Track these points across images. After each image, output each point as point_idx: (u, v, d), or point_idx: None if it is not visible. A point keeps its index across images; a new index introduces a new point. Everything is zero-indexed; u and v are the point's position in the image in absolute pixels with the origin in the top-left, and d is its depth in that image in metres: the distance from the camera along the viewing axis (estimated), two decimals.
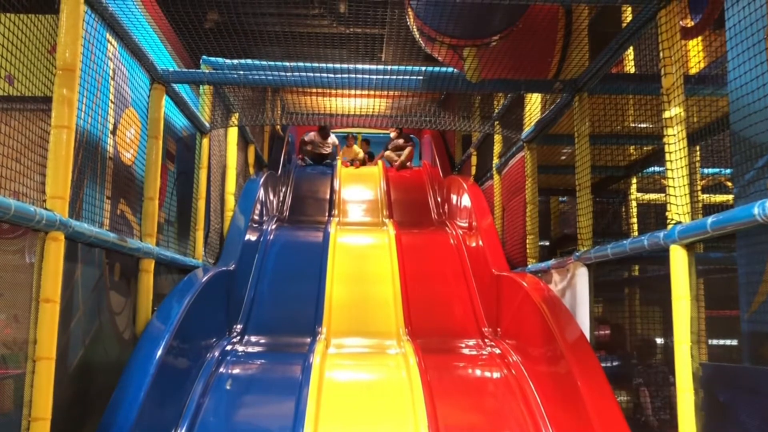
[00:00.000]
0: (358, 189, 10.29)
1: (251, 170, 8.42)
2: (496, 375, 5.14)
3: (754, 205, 2.31)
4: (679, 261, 2.91)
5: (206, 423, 4.36)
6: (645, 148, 5.34)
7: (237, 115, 6.65)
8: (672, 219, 3.01)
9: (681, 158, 3.01)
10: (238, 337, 5.72)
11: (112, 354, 4.12)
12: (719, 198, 4.91)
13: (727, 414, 2.65)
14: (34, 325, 2.80)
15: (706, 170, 5.54)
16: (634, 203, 6.33)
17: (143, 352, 3.93)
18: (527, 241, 5.77)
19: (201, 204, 5.67)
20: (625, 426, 3.58)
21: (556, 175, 6.42)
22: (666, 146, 3.09)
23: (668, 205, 3.06)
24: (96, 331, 4.02)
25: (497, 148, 7.18)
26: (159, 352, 3.93)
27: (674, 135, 3.04)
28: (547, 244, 6.85)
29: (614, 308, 5.76)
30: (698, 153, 5.07)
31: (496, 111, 7.06)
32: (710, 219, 2.64)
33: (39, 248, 2.84)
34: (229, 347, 5.39)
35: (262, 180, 8.07)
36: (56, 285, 2.85)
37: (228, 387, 4.86)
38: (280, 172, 10.23)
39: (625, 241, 3.56)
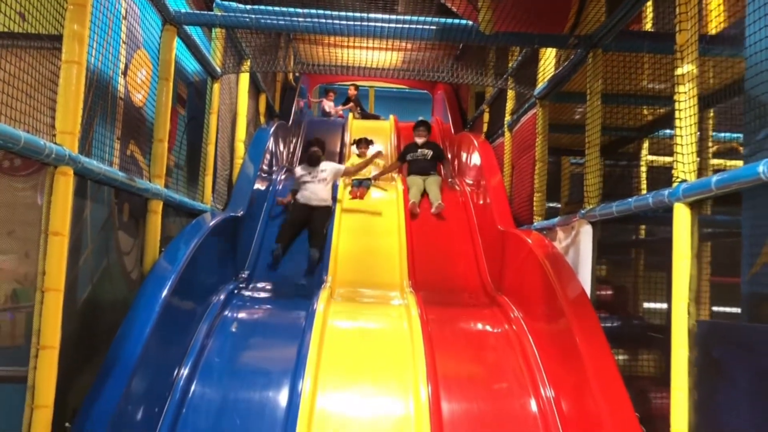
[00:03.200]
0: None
1: (262, 119, 8.42)
2: (496, 329, 5.20)
3: (759, 163, 2.31)
4: (682, 219, 2.92)
5: (210, 362, 4.46)
6: (659, 110, 5.29)
7: (248, 61, 6.61)
8: (677, 177, 3.00)
9: (690, 116, 2.99)
10: (244, 283, 5.81)
11: (120, 293, 4.20)
12: (731, 163, 4.87)
13: (719, 370, 2.70)
14: (43, 257, 2.86)
15: (720, 134, 5.49)
16: (644, 166, 6.30)
17: (149, 290, 4.00)
18: (534, 198, 5.78)
19: (211, 149, 5.70)
20: (621, 384, 3.62)
21: (567, 134, 6.38)
22: (676, 104, 3.07)
23: (674, 164, 3.05)
24: (104, 269, 4.09)
25: (510, 105, 7.13)
26: (165, 292, 4.01)
27: (685, 93, 3.01)
28: (558, 205, 6.84)
29: (618, 270, 5.78)
30: (712, 117, 5.02)
31: (511, 67, 6.99)
32: (714, 177, 2.64)
33: (48, 182, 2.88)
34: (235, 291, 5.47)
35: (272, 129, 8.07)
36: (65, 219, 2.90)
37: (232, 329, 4.95)
38: (291, 122, 10.21)
39: (630, 199, 3.57)
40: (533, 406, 4.28)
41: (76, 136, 2.97)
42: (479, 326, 5.49)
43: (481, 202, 7.17)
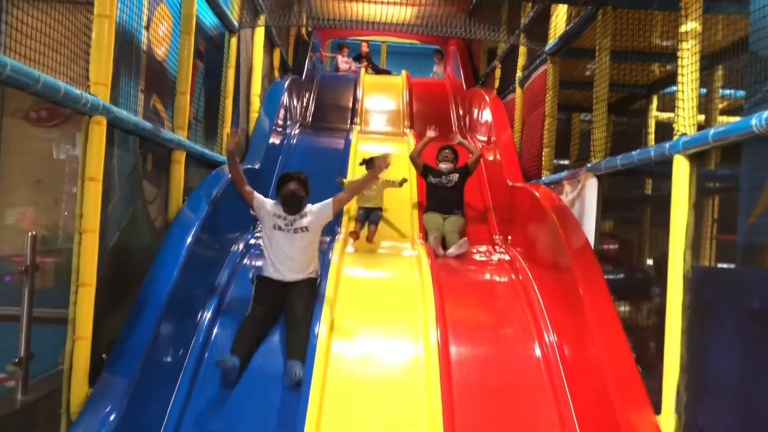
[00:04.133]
0: (381, 98, 10.34)
1: (276, 73, 8.52)
2: (503, 279, 5.41)
3: (753, 117, 2.46)
4: (681, 171, 3.08)
5: (232, 307, 4.70)
6: (667, 67, 5.39)
7: (264, 15, 6.71)
8: (678, 131, 3.15)
9: (692, 72, 3.12)
10: (261, 233, 6.02)
11: (144, 239, 4.42)
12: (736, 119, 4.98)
13: (711, 311, 2.89)
14: (80, 201, 3.06)
15: (726, 92, 5.58)
16: (652, 122, 6.41)
17: (175, 237, 4.23)
18: (543, 153, 5.92)
19: (228, 102, 5.85)
20: (622, 333, 3.79)
21: (577, 91, 6.48)
22: (679, 60, 3.19)
23: (676, 117, 3.19)
24: (130, 216, 4.30)
25: (521, 60, 7.20)
26: (189, 239, 4.23)
27: (688, 50, 3.13)
28: (567, 162, 6.97)
29: (623, 225, 5.93)
30: (719, 74, 5.12)
31: (523, 23, 7.04)
32: (712, 131, 2.79)
33: (83, 131, 3.07)
34: (252, 241, 5.69)
35: (286, 84, 8.19)
36: (99, 165, 3.10)
37: (250, 277, 5.18)
38: (304, 77, 10.30)
39: (633, 153, 3.72)
40: (537, 350, 4.50)
41: (108, 87, 3.14)
42: (487, 276, 5.71)
43: (492, 158, 7.31)
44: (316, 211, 4.49)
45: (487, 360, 4.42)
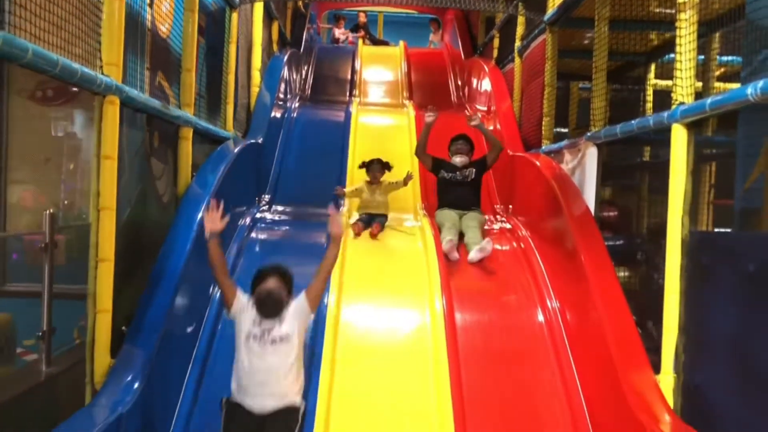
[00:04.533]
0: (379, 70, 10.35)
1: (275, 47, 8.53)
2: (505, 248, 5.51)
3: (748, 86, 2.54)
4: (679, 139, 3.18)
5: (241, 279, 4.77)
6: (665, 35, 5.43)
7: None
8: (676, 100, 3.23)
9: (690, 42, 3.19)
10: (267, 206, 6.12)
11: (154, 215, 4.51)
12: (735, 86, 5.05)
13: (708, 274, 3.01)
14: (96, 179, 3.15)
15: (724, 58, 5.63)
16: (650, 91, 6.46)
17: (187, 212, 4.33)
18: (543, 123, 5.99)
19: (231, 78, 5.89)
20: (623, 297, 3.90)
21: (576, 60, 6.52)
22: (677, 30, 3.26)
23: (674, 87, 3.27)
24: (140, 193, 4.40)
25: (520, 30, 7.23)
26: (199, 215, 4.32)
27: (686, 20, 3.20)
28: (566, 130, 7.04)
29: (622, 192, 6.03)
30: (717, 41, 5.18)
31: None
32: (709, 100, 2.87)
33: (98, 110, 3.15)
34: (258, 215, 5.80)
35: (285, 58, 8.21)
36: (114, 144, 3.19)
37: (258, 249, 5.31)
38: (302, 49, 10.29)
39: (632, 121, 3.81)
40: (540, 316, 4.63)
41: (120, 67, 3.22)
42: None
43: (491, 127, 7.37)
44: (293, 313, 3.32)
45: (492, 326, 4.55)
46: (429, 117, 5.64)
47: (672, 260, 3.13)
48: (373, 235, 5.53)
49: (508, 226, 5.83)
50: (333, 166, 6.75)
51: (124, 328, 3.48)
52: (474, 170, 5.69)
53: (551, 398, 3.95)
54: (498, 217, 6.20)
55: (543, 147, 5.99)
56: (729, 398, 2.84)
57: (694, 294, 3.05)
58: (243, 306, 3.35)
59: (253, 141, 6.06)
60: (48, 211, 3.31)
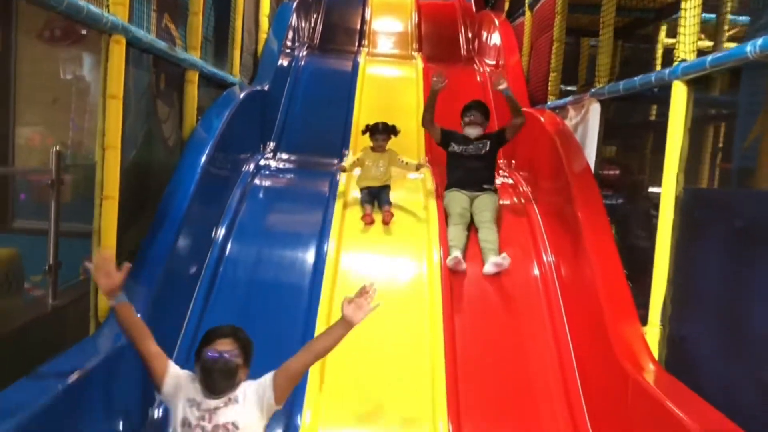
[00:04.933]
0: (389, 20, 10.23)
1: None
2: (505, 202, 5.55)
3: (748, 44, 2.56)
4: (679, 95, 3.19)
5: (244, 224, 4.91)
6: None
7: None
8: (678, 57, 3.24)
9: None
10: (271, 154, 6.17)
11: (159, 158, 4.58)
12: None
13: (699, 230, 3.07)
14: (102, 118, 3.21)
15: (738, 18, 5.58)
16: (661, 51, 6.41)
17: (191, 155, 4.39)
18: (550, 78, 5.98)
19: (238, 23, 5.88)
20: (616, 253, 3.96)
21: (587, 15, 6.44)
22: None
23: (677, 44, 3.28)
24: (146, 134, 4.45)
25: None
26: (204, 157, 4.39)
27: None
28: (574, 88, 7.00)
29: (623, 150, 6.06)
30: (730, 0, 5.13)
31: None
32: (709, 57, 2.89)
33: (104, 49, 3.18)
34: (262, 162, 5.85)
35: (294, 5, 8.15)
36: (119, 83, 3.23)
37: (261, 196, 5.38)
38: None
39: (635, 78, 3.82)
40: (535, 270, 4.72)
41: (127, 7, 3.23)
42: None
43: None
44: (251, 398, 2.58)
45: (487, 278, 4.63)
46: (437, 80, 4.96)
47: (665, 215, 3.18)
48: (386, 223, 4.97)
49: (510, 181, 5.88)
50: (339, 116, 6.75)
51: (128, 264, 3.58)
52: (489, 143, 5.07)
53: (541, 346, 4.07)
54: (500, 171, 6.23)
55: (549, 103, 5.99)
56: (711, 350, 2.93)
57: (684, 249, 3.12)
58: (178, 381, 2.59)
59: (259, 88, 6.07)
60: (55, 148, 3.38)
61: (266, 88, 6.29)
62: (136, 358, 3.14)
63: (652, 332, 3.24)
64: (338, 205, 5.07)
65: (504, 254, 4.49)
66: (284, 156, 6.25)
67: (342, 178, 5.46)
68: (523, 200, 5.44)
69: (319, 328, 3.99)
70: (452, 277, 4.51)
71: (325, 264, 4.50)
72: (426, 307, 4.30)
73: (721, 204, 3.01)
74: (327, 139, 6.50)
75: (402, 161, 5.26)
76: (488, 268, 4.50)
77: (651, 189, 5.04)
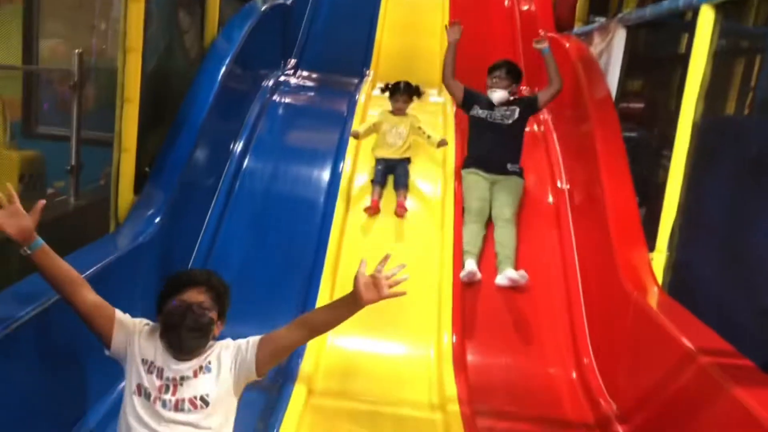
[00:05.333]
0: None
1: None
2: (525, 128, 5.54)
3: None
4: (706, 20, 3.12)
5: (261, 139, 4.96)
6: None
7: None
8: None
9: None
10: (291, 71, 6.14)
11: (181, 68, 4.61)
12: None
13: (713, 158, 3.06)
14: (123, 21, 3.23)
15: None
16: None
17: (211, 65, 4.43)
18: (578, 3, 5.84)
19: None
20: (630, 183, 3.97)
21: None
22: None
23: None
24: (167, 44, 4.47)
25: None
26: (224, 68, 4.42)
27: None
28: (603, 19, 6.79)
29: (646, 80, 5.92)
30: None
31: None
32: None
33: None
34: (282, 78, 5.84)
35: None
36: None
37: (280, 112, 5.40)
38: None
39: (663, 2, 3.73)
40: (550, 197, 4.75)
41: None
42: None
43: (526, 8, 7.16)
44: (226, 363, 2.16)
45: None
46: (453, 32, 4.61)
47: (680, 142, 3.17)
48: (399, 215, 4.28)
49: None
50: (361, 35, 6.65)
51: (147, 168, 3.67)
52: (517, 110, 4.42)
53: (547, 267, 4.15)
54: None
55: (575, 29, 5.86)
56: (714, 276, 2.98)
57: (697, 176, 3.12)
58: (129, 335, 2.16)
59: (281, 2, 6.00)
60: (78, 51, 3.42)
61: (289, 2, 6.21)
62: (154, 255, 3.28)
63: (659, 258, 3.28)
64: (356, 124, 5.08)
65: (522, 272, 3.89)
66: (304, 73, 6.21)
67: (362, 97, 5.45)
68: (542, 128, 5.41)
69: (332, 242, 4.08)
70: None
71: (340, 182, 4.55)
72: (438, 223, 4.37)
73: (737, 132, 2.99)
74: (348, 58, 6.42)
75: (423, 132, 4.56)
76: (501, 280, 3.89)
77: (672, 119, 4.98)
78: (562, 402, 3.45)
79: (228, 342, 2.21)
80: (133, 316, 2.24)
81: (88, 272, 2.64)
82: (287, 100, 5.56)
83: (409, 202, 4.49)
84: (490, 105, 4.46)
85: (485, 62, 6.66)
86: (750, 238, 2.74)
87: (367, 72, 6.25)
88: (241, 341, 2.19)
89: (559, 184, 4.76)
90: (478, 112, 4.49)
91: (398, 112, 4.65)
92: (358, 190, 4.60)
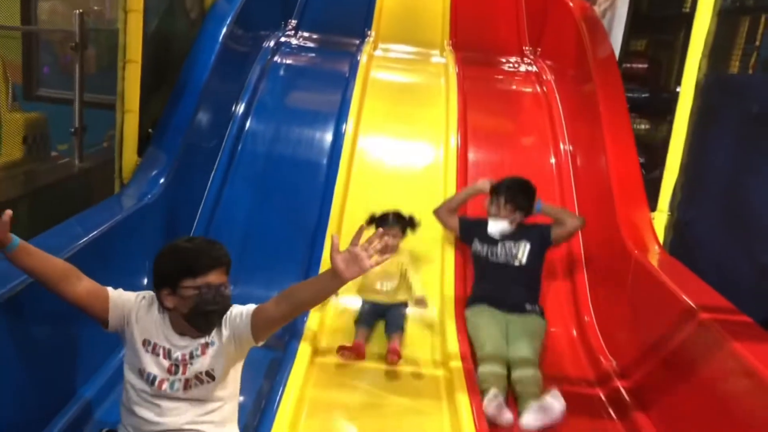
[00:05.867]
0: None
1: None
2: (528, 90, 5.52)
3: None
4: None
5: (263, 101, 4.94)
6: None
7: None
8: None
9: None
10: (292, 31, 6.08)
11: (182, 30, 4.57)
12: None
13: (716, 116, 3.07)
14: None
15: None
16: None
17: (212, 27, 4.38)
18: None
19: None
20: (633, 144, 3.97)
21: None
22: None
23: None
24: (168, 5, 4.43)
25: None
26: (224, 29, 4.37)
27: None
28: None
29: (649, 40, 5.87)
30: None
31: None
32: None
33: None
34: (283, 39, 5.78)
35: None
36: None
37: (282, 73, 5.37)
38: None
39: None
40: (552, 158, 4.75)
41: None
42: (513, 87, 5.80)
43: None
44: (226, 334, 2.16)
45: (503, 164, 4.67)
46: (482, 185, 3.77)
47: (684, 101, 3.17)
48: (393, 362, 3.22)
49: (534, 69, 5.78)
50: None
51: (150, 130, 3.68)
52: (527, 246, 3.49)
53: None
54: (525, 59, 6.12)
55: None
56: (714, 235, 3.01)
57: (700, 135, 3.13)
58: (126, 312, 2.15)
59: None
60: (78, 11, 3.40)
61: None
62: (160, 215, 3.30)
63: (660, 218, 3.31)
64: (357, 85, 5.06)
65: (555, 392, 2.88)
66: (305, 34, 6.15)
67: (363, 58, 5.42)
68: (545, 89, 5.38)
69: (336, 202, 4.10)
70: (467, 162, 4.57)
71: (343, 143, 4.55)
72: (440, 188, 4.39)
73: (740, 89, 2.98)
74: (349, 18, 6.33)
75: (407, 279, 3.53)
76: (528, 419, 2.84)
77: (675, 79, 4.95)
78: (563, 360, 3.50)
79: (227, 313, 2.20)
80: (139, 276, 2.26)
81: (94, 233, 2.68)
82: (288, 61, 5.52)
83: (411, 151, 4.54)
84: (491, 240, 3.55)
85: (486, 16, 6.58)
86: (751, 197, 2.76)
87: (369, 32, 6.19)
88: (237, 312, 2.17)
89: (561, 145, 4.76)
90: (479, 248, 3.58)
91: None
92: (361, 150, 4.60)
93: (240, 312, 2.16)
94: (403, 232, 3.56)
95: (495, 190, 3.57)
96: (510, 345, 3.22)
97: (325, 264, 3.73)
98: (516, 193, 3.53)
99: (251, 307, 2.17)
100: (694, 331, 2.50)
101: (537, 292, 3.55)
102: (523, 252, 3.48)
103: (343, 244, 2.07)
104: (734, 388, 2.23)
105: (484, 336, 3.26)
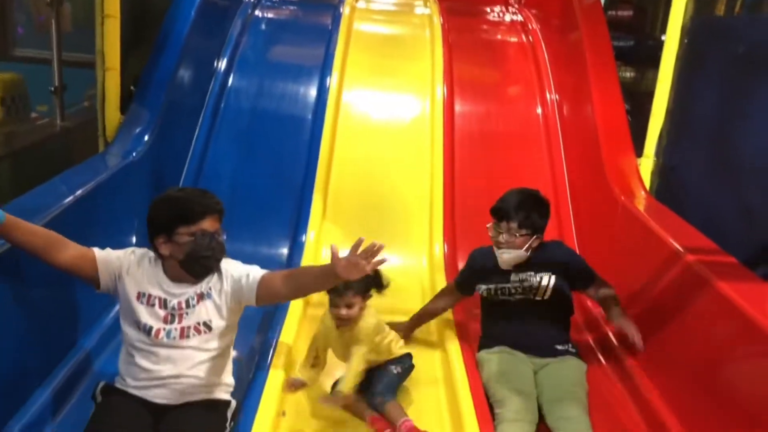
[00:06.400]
0: None
1: None
2: (513, 39, 5.46)
3: None
4: None
5: (245, 56, 4.86)
6: None
7: None
8: None
9: None
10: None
11: None
12: None
13: (701, 60, 3.06)
14: None
15: None
16: None
17: None
18: None
19: None
20: (619, 92, 3.95)
21: None
22: None
23: None
24: None
25: None
26: None
27: None
28: None
29: None
30: None
31: None
32: None
33: None
34: None
35: None
36: None
37: (263, 27, 5.27)
38: None
39: None
40: (538, 108, 4.73)
41: None
42: (498, 36, 5.74)
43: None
44: (226, 290, 2.18)
45: (489, 114, 4.67)
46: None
47: (670, 46, 3.16)
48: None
49: (520, 18, 5.72)
50: None
51: (132, 87, 3.62)
52: (553, 278, 2.72)
53: (536, 175, 4.17)
54: (511, 9, 6.05)
55: None
56: (699, 179, 3.03)
57: (685, 80, 3.12)
58: (116, 272, 2.15)
59: None
60: None
61: None
62: (146, 172, 3.27)
63: (646, 163, 3.33)
64: (341, 38, 4.98)
65: None
66: None
67: (346, 10, 5.32)
68: (531, 38, 5.33)
69: (322, 156, 4.08)
70: (453, 113, 4.54)
71: (328, 97, 4.51)
72: (428, 138, 4.37)
73: (725, 31, 2.97)
74: None
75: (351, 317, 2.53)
76: None
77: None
78: None
79: (229, 265, 2.21)
80: (127, 234, 2.25)
81: (79, 192, 2.65)
82: (269, 15, 5.42)
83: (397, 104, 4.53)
84: (499, 273, 2.77)
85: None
86: (736, 139, 2.78)
87: None
88: (242, 272, 2.18)
89: (547, 94, 4.74)
90: (486, 291, 2.83)
91: (341, 323, 2.56)
92: (345, 104, 4.56)
93: (246, 273, 2.17)
94: (363, 295, 2.53)
95: (499, 214, 2.73)
96: (547, 404, 2.47)
97: (313, 222, 3.76)
98: (530, 212, 2.69)
99: (257, 273, 2.18)
100: (681, 273, 2.53)
101: (567, 328, 2.84)
102: (547, 285, 2.70)
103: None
104: (720, 329, 2.27)
105: (505, 388, 2.50)
